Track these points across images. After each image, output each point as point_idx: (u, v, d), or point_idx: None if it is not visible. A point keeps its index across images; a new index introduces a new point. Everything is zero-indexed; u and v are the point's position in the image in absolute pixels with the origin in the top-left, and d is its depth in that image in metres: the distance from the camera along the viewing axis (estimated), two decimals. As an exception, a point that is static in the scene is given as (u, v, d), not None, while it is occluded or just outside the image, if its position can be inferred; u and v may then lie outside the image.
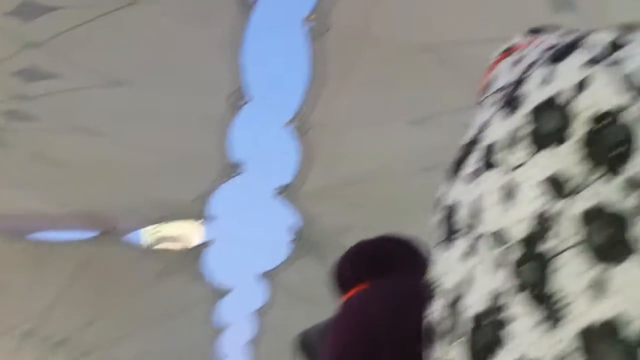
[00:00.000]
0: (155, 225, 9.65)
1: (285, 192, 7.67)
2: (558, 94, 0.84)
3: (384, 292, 1.37)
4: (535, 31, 1.17)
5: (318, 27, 5.96)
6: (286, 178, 7.65)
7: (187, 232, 10.17)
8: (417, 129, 6.61)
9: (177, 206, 8.06)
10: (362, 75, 6.38)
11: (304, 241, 8.08)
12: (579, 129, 0.80)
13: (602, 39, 0.89)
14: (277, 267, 8.80)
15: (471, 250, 0.87)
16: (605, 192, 0.75)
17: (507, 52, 1.15)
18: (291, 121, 6.98)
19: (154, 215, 8.48)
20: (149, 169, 7.46)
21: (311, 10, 5.82)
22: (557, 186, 0.78)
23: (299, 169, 7.43)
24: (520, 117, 0.88)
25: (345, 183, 7.23)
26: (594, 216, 0.74)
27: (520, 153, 0.85)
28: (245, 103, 6.70)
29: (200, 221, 8.75)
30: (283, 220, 8.44)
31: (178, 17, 5.76)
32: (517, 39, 1.17)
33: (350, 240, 1.59)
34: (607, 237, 0.72)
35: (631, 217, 0.72)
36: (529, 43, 1.12)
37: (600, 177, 0.76)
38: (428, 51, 5.97)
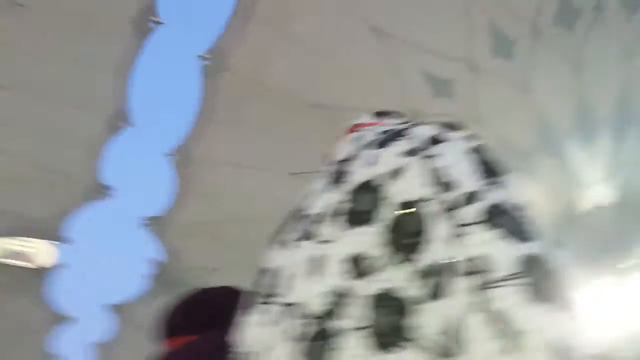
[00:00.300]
0: (3, 239, 8.82)
1: (154, 224, 7.38)
2: (375, 177, 0.89)
3: (211, 346, 1.34)
4: (381, 114, 1.24)
5: (214, 66, 5.97)
6: (157, 210, 7.39)
7: (36, 251, 9.37)
8: (297, 181, 6.70)
9: (31, 222, 7.45)
10: (251, 120, 6.43)
11: (165, 278, 7.76)
12: (386, 213, 0.85)
13: (424, 132, 0.97)
14: (130, 301, 8.32)
15: (277, 318, 0.88)
16: (397, 278, 0.80)
17: (355, 128, 1.21)
18: (172, 153, 6.82)
19: (3, 228, 7.76)
20: (7, 178, 6.87)
21: (208, 49, 5.82)
22: (357, 266, 0.82)
23: (172, 202, 7.21)
24: (341, 193, 0.92)
25: (218, 223, 7.12)
26: (381, 301, 0.78)
27: (334, 228, 0.89)
28: (126, 127, 6.46)
29: (54, 241, 8.12)
30: (146, 253, 8.08)
31: (69, 27, 5.50)
32: (365, 118, 1.24)
33: (215, 282, 1.56)
34: (389, 324, 0.76)
35: (411, 306, 0.77)
36: (373, 124, 1.19)
37: (395, 263, 0.81)
38: (318, 109, 6.17)
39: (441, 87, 5.92)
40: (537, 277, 0.71)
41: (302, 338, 0.76)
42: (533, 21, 5.34)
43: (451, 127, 0.94)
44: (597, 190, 6.22)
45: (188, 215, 7.17)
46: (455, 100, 5.98)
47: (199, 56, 5.93)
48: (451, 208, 0.77)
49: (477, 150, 0.87)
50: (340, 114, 6.08)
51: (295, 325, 0.77)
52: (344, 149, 1.07)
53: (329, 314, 0.74)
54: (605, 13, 5.30)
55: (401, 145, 0.88)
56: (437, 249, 0.73)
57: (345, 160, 0.97)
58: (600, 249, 6.24)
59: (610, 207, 6.21)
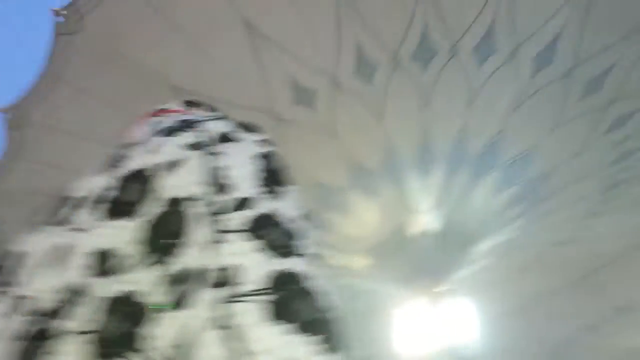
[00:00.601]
0: None
1: (-32, 184, 6.58)
2: (150, 167, 0.81)
3: None
4: (191, 103, 1.18)
5: (68, 24, 5.49)
6: (-25, 169, 6.58)
7: None
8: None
9: None
10: (104, 90, 6.00)
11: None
12: (152, 208, 0.78)
13: (216, 128, 0.92)
14: None
15: (7, 311, 0.76)
16: (143, 281, 0.72)
17: (156, 113, 1.13)
18: (5, 110, 6.14)
19: None
20: None
21: (64, 5, 5.34)
22: (103, 262, 0.73)
23: (-5, 164, 6.48)
24: (111, 178, 0.83)
25: (44, 195, 6.52)
26: (118, 305, 0.70)
27: (92, 216, 0.79)
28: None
29: None
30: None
31: None
32: (171, 104, 1.17)
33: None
34: (118, 331, 0.68)
35: (150, 313, 0.70)
36: (176, 111, 1.12)
37: (146, 264, 0.74)
38: (178, 92, 5.93)
39: (303, 95, 5.99)
40: (286, 296, 0.68)
41: (21, 337, 0.66)
42: (395, 52, 5.62)
43: (247, 127, 0.90)
44: (425, 218, 6.70)
45: (12, 182, 6.49)
46: (315, 111, 6.08)
47: (53, 10, 5.42)
48: (219, 212, 0.72)
49: (265, 156, 0.84)
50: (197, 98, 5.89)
51: (21, 321, 0.66)
52: (135, 133, 0.99)
53: (56, 313, 0.65)
54: (458, 57, 5.73)
55: (187, 137, 0.81)
56: (193, 254, 0.67)
57: (129, 145, 0.89)
58: (421, 272, 6.71)
59: (435, 235, 6.71)
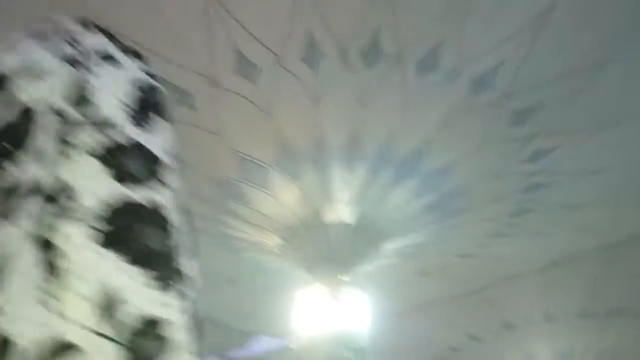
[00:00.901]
0: None
1: None
2: (10, 71, 0.80)
3: None
4: (87, 23, 1.16)
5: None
6: None
7: None
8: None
9: None
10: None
11: None
12: (1, 113, 0.77)
13: (96, 45, 0.92)
14: None
15: None
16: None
17: (45, 26, 1.13)
18: None
19: None
20: None
21: None
22: None
23: None
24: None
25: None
26: None
27: None
28: None
29: None
30: None
31: None
32: (64, 21, 1.15)
33: None
34: None
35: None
36: (68, 27, 1.11)
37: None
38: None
39: (246, 68, 5.97)
40: (124, 224, 0.67)
41: None
42: (344, 47, 5.69)
43: (134, 54, 0.89)
44: (342, 209, 6.86)
45: None
46: (256, 86, 6.07)
47: None
48: (73, 129, 0.70)
49: (145, 86, 0.83)
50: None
51: None
52: (13, 43, 0.97)
53: None
54: (402, 65, 5.86)
55: (60, 49, 0.81)
56: (30, 165, 0.66)
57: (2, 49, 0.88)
58: (328, 259, 6.87)
59: (347, 226, 6.89)
